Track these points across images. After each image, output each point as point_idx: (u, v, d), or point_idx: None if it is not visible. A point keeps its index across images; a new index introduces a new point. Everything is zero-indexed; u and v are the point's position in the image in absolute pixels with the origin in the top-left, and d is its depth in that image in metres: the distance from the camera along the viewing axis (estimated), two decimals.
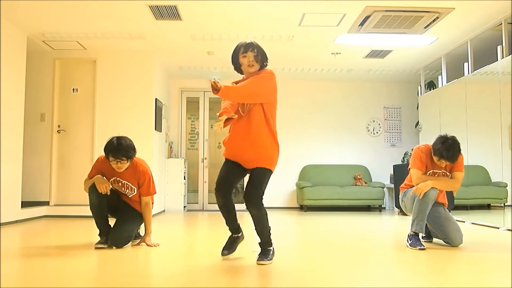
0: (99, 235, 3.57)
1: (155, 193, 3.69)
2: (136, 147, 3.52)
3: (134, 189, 3.57)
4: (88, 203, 3.50)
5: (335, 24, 5.36)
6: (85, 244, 3.69)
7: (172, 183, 7.52)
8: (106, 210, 3.54)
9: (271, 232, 2.98)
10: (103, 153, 3.50)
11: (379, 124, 8.43)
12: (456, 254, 3.31)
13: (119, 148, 3.38)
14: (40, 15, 5.14)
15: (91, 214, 3.54)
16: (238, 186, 7.21)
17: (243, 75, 3.04)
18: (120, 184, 3.57)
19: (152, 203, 3.70)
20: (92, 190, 3.45)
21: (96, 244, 3.49)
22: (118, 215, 3.63)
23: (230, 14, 5.06)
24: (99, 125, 6.40)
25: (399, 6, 4.79)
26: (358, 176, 7.96)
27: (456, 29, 5.52)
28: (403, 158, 7.84)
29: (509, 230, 4.75)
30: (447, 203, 3.79)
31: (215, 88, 2.60)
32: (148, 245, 3.60)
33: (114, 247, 3.46)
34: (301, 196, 7.61)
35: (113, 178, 3.57)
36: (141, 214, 3.65)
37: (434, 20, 5.17)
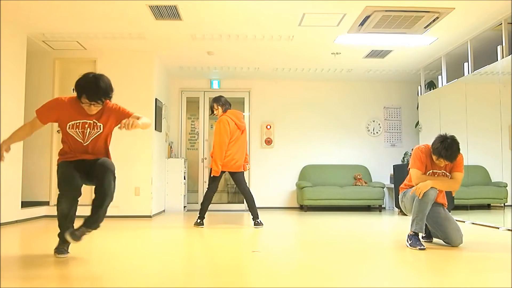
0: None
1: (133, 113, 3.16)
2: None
3: (100, 126, 3.01)
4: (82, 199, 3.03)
5: (335, 24, 5.36)
6: (84, 243, 3.69)
7: (172, 183, 7.52)
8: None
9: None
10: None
11: (379, 124, 8.43)
12: (456, 254, 3.31)
13: (98, 89, 2.78)
14: (40, 15, 5.14)
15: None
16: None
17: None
18: (80, 127, 2.98)
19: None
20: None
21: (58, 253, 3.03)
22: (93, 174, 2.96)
23: (230, 14, 5.06)
24: None
25: (399, 6, 4.79)
26: (358, 176, 7.96)
27: (456, 29, 5.52)
28: (403, 158, 7.84)
29: (509, 230, 4.75)
30: (446, 203, 3.79)
31: None
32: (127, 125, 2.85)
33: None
34: (301, 196, 7.61)
35: (72, 122, 2.96)
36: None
37: (434, 20, 5.17)
